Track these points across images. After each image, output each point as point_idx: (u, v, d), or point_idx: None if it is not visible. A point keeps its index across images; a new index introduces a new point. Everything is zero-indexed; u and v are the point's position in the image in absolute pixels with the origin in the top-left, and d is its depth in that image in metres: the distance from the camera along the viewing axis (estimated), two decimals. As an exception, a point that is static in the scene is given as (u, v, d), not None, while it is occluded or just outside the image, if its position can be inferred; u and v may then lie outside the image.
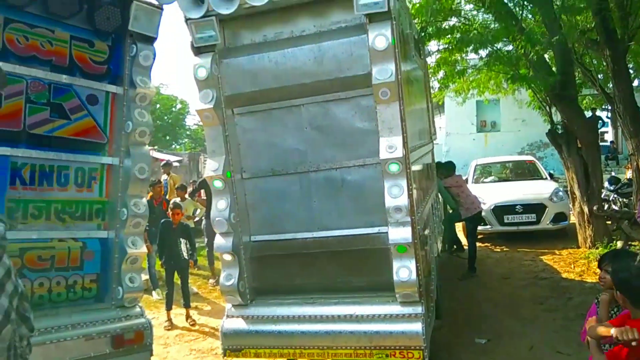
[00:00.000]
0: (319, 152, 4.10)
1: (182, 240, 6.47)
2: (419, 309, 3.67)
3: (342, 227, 4.09)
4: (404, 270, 3.60)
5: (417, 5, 7.43)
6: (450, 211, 8.05)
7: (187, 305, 6.51)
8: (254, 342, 4.00)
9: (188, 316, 6.48)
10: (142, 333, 3.81)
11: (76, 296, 3.76)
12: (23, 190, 3.50)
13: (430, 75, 9.08)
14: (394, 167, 3.56)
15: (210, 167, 4.03)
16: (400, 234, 3.59)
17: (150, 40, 3.85)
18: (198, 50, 3.95)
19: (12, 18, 3.33)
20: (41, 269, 3.57)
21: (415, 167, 4.30)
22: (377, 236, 3.94)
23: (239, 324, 4.04)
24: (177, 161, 19.21)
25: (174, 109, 35.98)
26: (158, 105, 32.24)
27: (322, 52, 3.83)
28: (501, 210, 9.44)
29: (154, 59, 3.88)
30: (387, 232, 3.65)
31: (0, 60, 3.23)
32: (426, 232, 4.56)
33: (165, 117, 34.89)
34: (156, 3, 3.73)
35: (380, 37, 3.47)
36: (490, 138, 19.60)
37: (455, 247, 8.74)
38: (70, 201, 3.73)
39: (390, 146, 3.57)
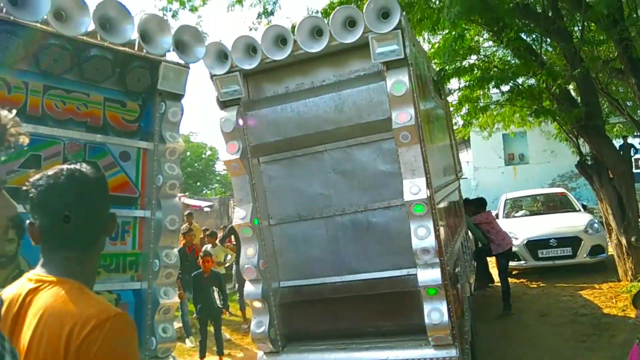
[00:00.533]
0: (343, 196, 4.16)
1: (214, 289, 6.53)
2: (453, 352, 3.60)
3: (370, 270, 4.09)
4: (436, 312, 3.56)
5: (436, 46, 7.57)
6: (480, 245, 7.94)
7: (220, 353, 6.50)
8: (287, 391, 3.98)
9: (221, 364, 6.46)
10: (175, 384, 3.84)
11: (111, 348, 3.81)
12: (60, 246, 3.62)
13: (453, 112, 9.12)
14: (419, 209, 3.57)
15: (238, 215, 4.12)
16: (429, 275, 3.56)
17: (178, 97, 4.02)
18: (224, 104, 4.14)
19: (51, 85, 3.55)
20: (78, 322, 3.65)
21: (442, 206, 4.29)
22: (407, 278, 3.93)
23: (272, 372, 4.03)
24: (208, 206, 19.51)
25: (203, 156, 36.89)
26: (188, 153, 33.13)
27: (342, 100, 3.95)
28: (535, 245, 9.18)
29: (182, 114, 4.04)
30: (416, 274, 3.63)
31: (39, 124, 3.44)
32: (457, 271, 4.50)
33: (196, 164, 35.76)
34: (183, 62, 3.91)
35: (399, 83, 3.56)
36: (519, 171, 19.29)
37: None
38: (104, 254, 3.83)
39: (414, 188, 3.59)
